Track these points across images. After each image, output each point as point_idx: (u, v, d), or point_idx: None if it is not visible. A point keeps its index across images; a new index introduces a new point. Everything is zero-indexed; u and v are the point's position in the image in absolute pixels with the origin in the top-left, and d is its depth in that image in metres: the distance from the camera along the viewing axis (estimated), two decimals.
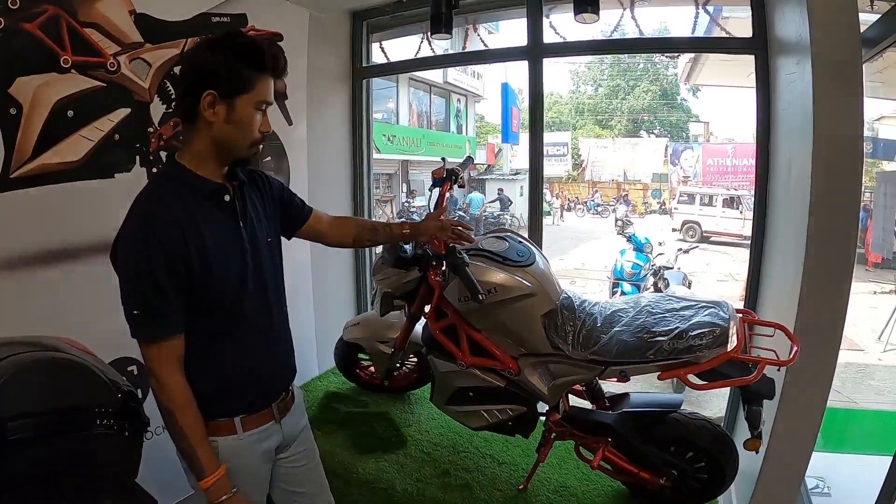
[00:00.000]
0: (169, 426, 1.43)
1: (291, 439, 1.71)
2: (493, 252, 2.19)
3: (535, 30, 3.19)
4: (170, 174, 1.51)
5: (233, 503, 1.44)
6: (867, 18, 2.75)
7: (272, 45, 1.47)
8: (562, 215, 25.79)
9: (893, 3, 2.67)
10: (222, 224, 1.48)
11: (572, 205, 28.32)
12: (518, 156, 26.07)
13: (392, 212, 17.76)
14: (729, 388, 2.78)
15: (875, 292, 9.19)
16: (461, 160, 2.56)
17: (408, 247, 2.32)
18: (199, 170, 1.47)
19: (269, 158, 3.12)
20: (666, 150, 28.10)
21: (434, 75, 20.87)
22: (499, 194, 20.84)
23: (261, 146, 1.53)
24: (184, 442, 1.41)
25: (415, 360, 3.12)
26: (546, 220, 22.11)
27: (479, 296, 1.95)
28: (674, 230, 19.48)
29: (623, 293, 7.30)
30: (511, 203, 20.56)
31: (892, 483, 2.21)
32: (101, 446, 1.48)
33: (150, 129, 2.53)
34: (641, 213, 26.58)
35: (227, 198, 1.51)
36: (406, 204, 18.85)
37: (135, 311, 1.37)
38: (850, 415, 4.78)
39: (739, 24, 3.26)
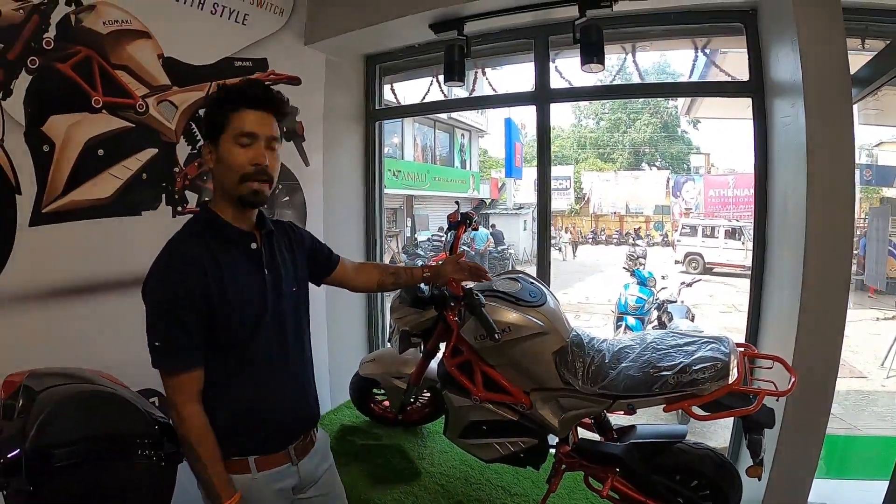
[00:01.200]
0: (187, 454, 1.49)
1: (310, 482, 1.71)
2: (507, 293, 2.28)
3: (542, 75, 3.34)
4: (200, 219, 1.58)
5: None
6: (859, 53, 2.85)
7: (249, 82, 1.56)
8: (574, 252, 23.97)
9: (887, 44, 2.78)
10: (245, 269, 1.56)
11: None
12: (521, 190, 26.17)
13: (398, 247, 17.81)
14: (732, 419, 2.85)
15: (878, 318, 9.17)
16: (474, 204, 2.66)
17: (425, 287, 2.40)
18: (228, 216, 1.56)
19: (287, 199, 3.24)
20: (668, 182, 28.18)
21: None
22: (491, 230, 20.88)
23: (260, 182, 1.52)
24: (201, 469, 1.46)
25: (428, 394, 3.19)
26: (555, 255, 21.82)
27: (496, 335, 2.04)
28: (676, 262, 19.47)
29: (627, 327, 7.34)
30: (504, 237, 20.62)
31: None
32: (140, 474, 1.56)
33: (176, 169, 2.64)
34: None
35: (253, 246, 1.59)
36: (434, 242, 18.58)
37: (156, 343, 1.44)
38: (853, 441, 4.79)
39: (736, 59, 3.36)
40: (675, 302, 7.36)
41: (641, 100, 33.47)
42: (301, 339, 1.71)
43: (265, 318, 1.56)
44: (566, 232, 25.31)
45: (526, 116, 29.28)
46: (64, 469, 1.40)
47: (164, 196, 2.61)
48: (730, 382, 1.91)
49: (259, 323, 1.55)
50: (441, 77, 3.70)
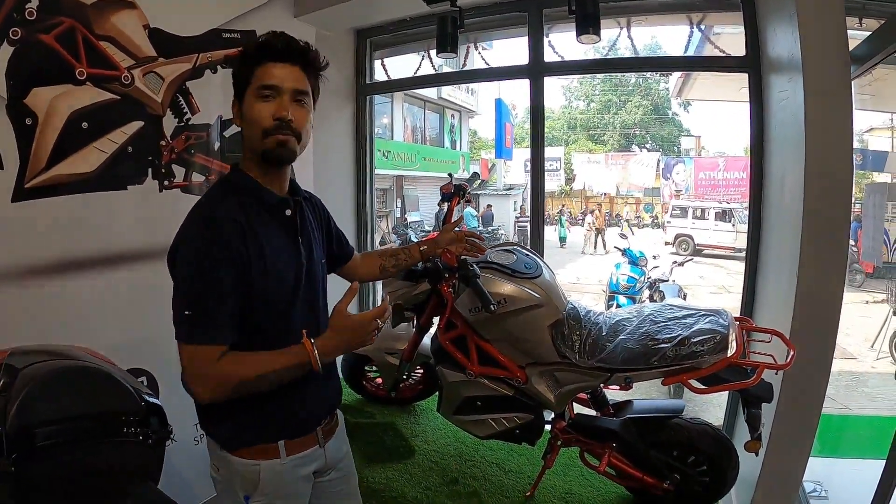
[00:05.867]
0: (255, 389, 1.34)
1: (334, 464, 1.64)
2: (502, 264, 2.25)
3: (536, 49, 3.29)
4: (231, 181, 1.48)
5: (334, 351, 1.39)
6: (855, 34, 2.83)
7: (274, 34, 1.43)
8: (597, 243, 20.15)
9: (883, 22, 2.75)
10: (280, 236, 1.46)
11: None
12: (511, 171, 26.13)
13: (387, 226, 17.80)
14: (727, 394, 2.85)
15: (867, 302, 9.29)
16: (468, 176, 2.62)
17: None
18: (261, 180, 1.46)
19: None
20: (658, 164, 28.17)
21: (429, 91, 20.83)
22: (488, 209, 20.94)
23: (285, 137, 1.40)
24: (272, 377, 1.33)
25: (421, 371, 3.17)
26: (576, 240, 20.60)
27: (492, 306, 2.00)
28: (667, 244, 19.54)
29: (619, 306, 7.34)
30: (493, 218, 20.68)
31: (886, 485, 2.26)
32: (126, 453, 1.53)
33: (163, 143, 2.57)
34: None
35: (287, 212, 1.49)
36: None
37: (186, 312, 1.29)
38: (845, 421, 4.85)
39: (730, 39, 3.34)
40: (667, 281, 7.36)
41: (633, 82, 33.47)
42: (327, 312, 1.56)
43: (300, 290, 1.48)
44: (591, 214, 22.06)
45: (516, 97, 29.16)
46: (47, 449, 1.37)
47: (150, 170, 2.53)
48: (729, 355, 1.90)
49: (296, 294, 1.46)
50: (432, 52, 3.64)
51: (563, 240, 21.26)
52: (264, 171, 1.46)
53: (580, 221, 23.39)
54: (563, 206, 27.76)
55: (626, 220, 20.91)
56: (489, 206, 21.28)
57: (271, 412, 1.44)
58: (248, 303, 1.36)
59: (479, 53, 3.99)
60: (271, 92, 1.39)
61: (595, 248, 20.08)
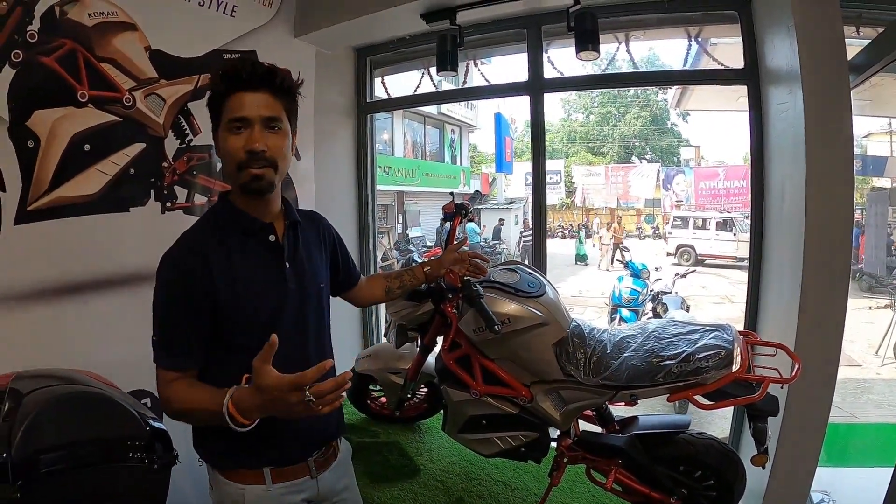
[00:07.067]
0: (193, 420, 1.38)
1: (330, 496, 1.58)
2: (506, 284, 2.23)
3: (535, 65, 3.31)
4: (216, 210, 1.49)
5: (253, 408, 1.22)
6: (852, 41, 2.84)
7: (240, 61, 1.39)
8: (614, 259, 18.11)
9: (880, 32, 2.76)
10: (264, 262, 1.45)
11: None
12: (512, 185, 26.16)
13: (389, 243, 17.80)
14: (732, 408, 2.84)
15: (871, 307, 9.26)
16: (470, 194, 2.62)
17: None
18: (244, 206, 1.45)
19: None
20: (658, 174, 28.20)
21: (429, 107, 20.98)
22: (500, 223, 20.91)
23: (259, 171, 1.38)
24: (201, 415, 1.30)
25: (425, 390, 3.15)
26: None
27: (496, 327, 1.99)
28: (668, 254, 19.51)
29: (622, 319, 7.33)
30: (501, 232, 20.62)
31: (895, 493, 2.24)
32: (131, 478, 1.51)
33: (165, 164, 2.58)
34: None
35: (272, 238, 1.47)
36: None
37: (154, 337, 1.36)
38: (852, 429, 4.83)
39: (727, 49, 3.36)
40: (670, 293, 7.35)
41: (631, 93, 33.60)
42: (323, 344, 1.60)
43: (283, 317, 1.43)
44: (607, 230, 20.33)
45: (516, 111, 29.24)
46: (52, 475, 1.36)
47: (152, 192, 2.55)
48: (734, 370, 1.88)
49: (277, 318, 1.42)
50: (432, 70, 3.66)
51: (582, 258, 20.06)
52: (247, 200, 1.45)
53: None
54: (580, 223, 27.15)
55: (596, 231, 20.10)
56: (501, 220, 21.18)
57: (256, 436, 1.35)
58: (223, 326, 1.38)
59: (479, 69, 4.01)
60: (242, 124, 1.36)
61: (612, 263, 18.26)
